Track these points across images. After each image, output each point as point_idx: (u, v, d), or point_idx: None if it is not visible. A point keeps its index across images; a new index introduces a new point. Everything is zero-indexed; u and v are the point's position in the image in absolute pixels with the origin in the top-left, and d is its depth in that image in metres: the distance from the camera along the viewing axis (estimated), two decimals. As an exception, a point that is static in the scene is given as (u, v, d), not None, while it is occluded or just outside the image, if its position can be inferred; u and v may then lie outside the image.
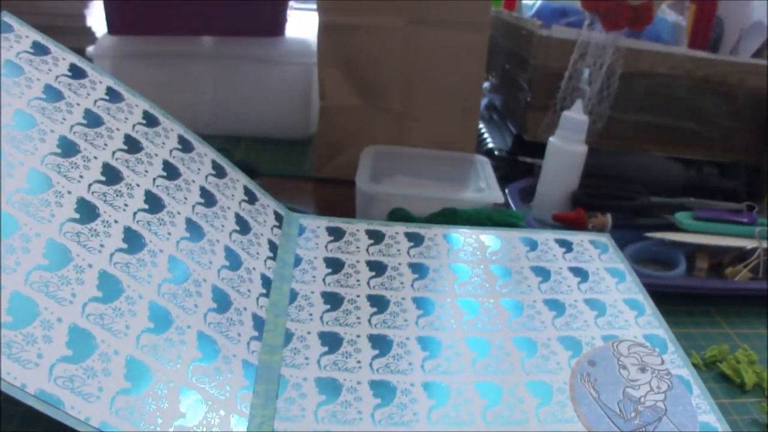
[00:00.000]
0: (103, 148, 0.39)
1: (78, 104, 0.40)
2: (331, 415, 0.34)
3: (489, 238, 0.51)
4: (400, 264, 0.47)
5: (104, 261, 0.33)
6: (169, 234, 0.38)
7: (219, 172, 0.48)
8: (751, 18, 0.78)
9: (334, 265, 0.46)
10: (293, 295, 0.43)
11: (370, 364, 0.38)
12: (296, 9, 0.91)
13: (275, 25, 0.80)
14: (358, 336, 0.40)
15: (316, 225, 0.50)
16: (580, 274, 0.48)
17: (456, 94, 0.69)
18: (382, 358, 0.39)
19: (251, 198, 0.49)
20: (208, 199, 0.44)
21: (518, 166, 0.76)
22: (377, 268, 0.46)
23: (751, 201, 0.66)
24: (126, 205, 0.37)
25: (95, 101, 0.42)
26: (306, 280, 0.44)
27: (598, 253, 0.51)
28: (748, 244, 0.59)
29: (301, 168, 0.77)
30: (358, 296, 0.43)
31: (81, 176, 0.36)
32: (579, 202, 0.64)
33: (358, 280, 0.45)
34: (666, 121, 0.74)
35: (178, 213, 0.40)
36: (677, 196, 0.67)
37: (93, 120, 0.40)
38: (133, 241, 0.36)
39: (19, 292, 0.29)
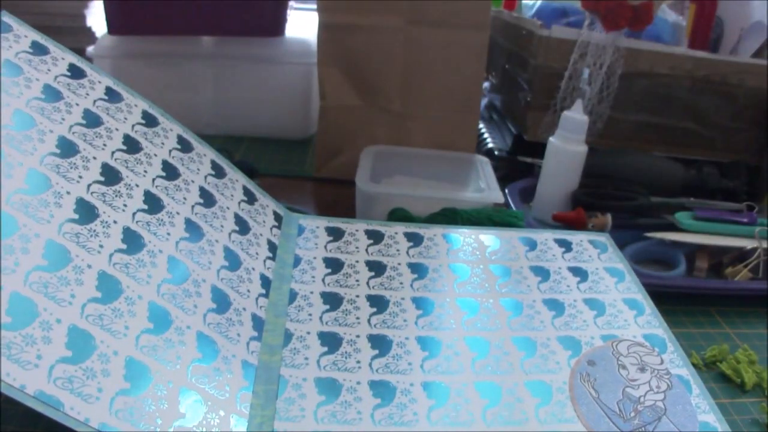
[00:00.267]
0: (102, 148, 0.39)
1: (77, 104, 0.40)
2: (330, 416, 0.34)
3: (488, 238, 0.51)
4: (399, 264, 0.47)
5: (103, 261, 0.33)
6: (169, 234, 0.38)
7: (218, 172, 0.48)
8: (751, 18, 0.78)
9: (334, 265, 0.46)
10: (293, 296, 0.43)
11: (370, 364, 0.38)
12: (296, 9, 0.91)
13: (275, 25, 0.80)
14: (358, 336, 0.40)
15: (316, 225, 0.50)
16: (580, 273, 0.48)
17: (456, 94, 0.69)
18: (381, 358, 0.39)
19: (250, 198, 0.49)
20: (207, 199, 0.44)
21: (518, 166, 0.76)
22: (377, 268, 0.46)
23: (751, 201, 0.66)
24: (125, 205, 0.37)
25: (94, 101, 0.42)
26: (305, 281, 0.44)
27: (597, 252, 0.51)
28: (748, 244, 0.59)
29: (301, 168, 0.77)
30: (357, 296, 0.43)
31: (80, 176, 0.36)
32: (579, 202, 0.64)
33: (357, 280, 0.45)
34: (666, 121, 0.74)
35: (178, 213, 0.40)
36: (677, 196, 0.67)
37: (92, 120, 0.40)
38: (132, 241, 0.36)
39: (19, 292, 0.29)
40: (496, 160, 0.75)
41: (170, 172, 0.43)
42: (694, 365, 0.45)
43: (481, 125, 0.88)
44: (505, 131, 0.85)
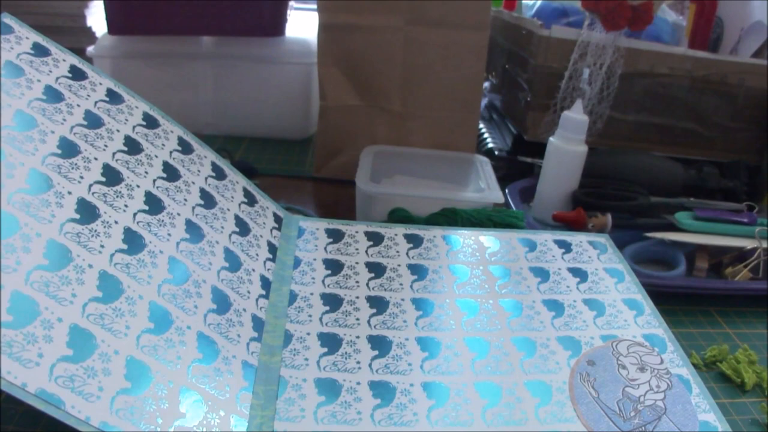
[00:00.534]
0: (103, 149, 0.39)
1: (78, 105, 0.40)
2: (330, 416, 0.35)
3: (488, 239, 0.51)
4: (399, 265, 0.47)
5: (104, 261, 0.33)
6: (169, 235, 0.39)
7: (218, 173, 0.48)
8: (751, 18, 0.78)
9: (334, 267, 0.46)
10: (292, 297, 0.43)
11: (370, 365, 0.38)
12: (296, 9, 0.91)
13: (275, 25, 0.80)
14: (358, 337, 0.40)
15: (315, 227, 0.51)
16: (579, 274, 0.49)
17: (456, 94, 0.69)
18: (381, 359, 0.39)
19: (251, 200, 0.49)
20: (207, 200, 0.44)
21: (518, 166, 0.76)
22: (376, 270, 0.46)
23: (751, 201, 0.66)
24: (126, 206, 0.37)
25: (95, 102, 0.42)
26: (305, 282, 0.44)
27: (597, 253, 0.51)
28: (748, 244, 0.59)
29: (301, 168, 0.77)
30: (357, 297, 0.43)
31: (81, 177, 0.36)
32: (579, 202, 0.64)
33: (357, 282, 0.45)
34: (666, 121, 0.74)
35: (178, 214, 0.41)
36: (677, 196, 0.67)
37: (93, 121, 0.40)
38: (133, 241, 0.36)
39: (20, 291, 0.29)
40: (496, 160, 0.75)
41: (171, 173, 0.43)
42: (694, 365, 0.45)
43: (481, 125, 0.88)
44: (505, 131, 0.85)
